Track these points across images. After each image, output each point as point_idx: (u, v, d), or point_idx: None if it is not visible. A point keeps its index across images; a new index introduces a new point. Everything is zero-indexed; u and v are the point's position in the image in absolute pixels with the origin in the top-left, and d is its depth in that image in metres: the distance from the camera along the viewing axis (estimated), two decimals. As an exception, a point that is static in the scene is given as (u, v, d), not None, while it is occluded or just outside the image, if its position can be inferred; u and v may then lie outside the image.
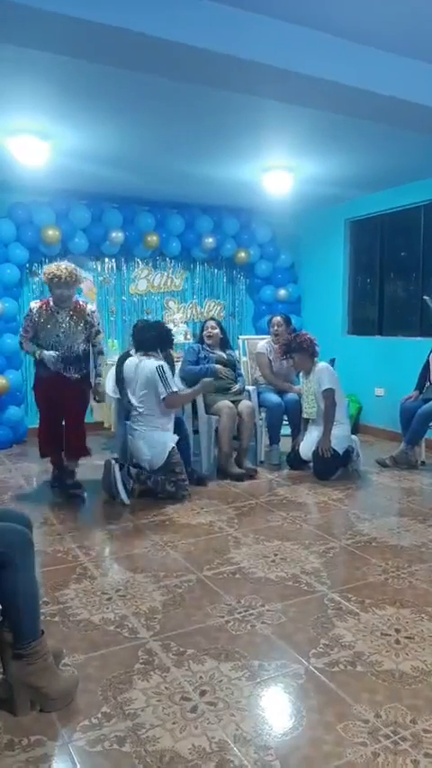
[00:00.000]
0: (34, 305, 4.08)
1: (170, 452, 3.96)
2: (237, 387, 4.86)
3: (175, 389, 4.03)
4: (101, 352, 4.20)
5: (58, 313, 4.00)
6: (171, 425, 4.12)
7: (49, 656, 1.90)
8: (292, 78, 2.82)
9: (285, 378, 5.17)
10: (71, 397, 4.07)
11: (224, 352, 5.01)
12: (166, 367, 4.06)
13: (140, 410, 4.03)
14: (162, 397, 3.96)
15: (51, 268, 3.96)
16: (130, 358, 4.20)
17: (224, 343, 5.07)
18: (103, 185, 5.63)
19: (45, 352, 3.95)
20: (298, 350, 4.62)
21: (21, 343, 4.15)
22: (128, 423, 4.16)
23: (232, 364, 4.98)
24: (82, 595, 2.65)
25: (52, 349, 3.97)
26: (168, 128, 4.11)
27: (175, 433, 4.28)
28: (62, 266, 3.95)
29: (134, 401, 4.07)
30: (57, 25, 2.36)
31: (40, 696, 1.86)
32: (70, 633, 2.33)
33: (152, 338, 4.14)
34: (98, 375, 4.20)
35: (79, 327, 4.03)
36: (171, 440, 4.07)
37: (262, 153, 4.69)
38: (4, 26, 2.38)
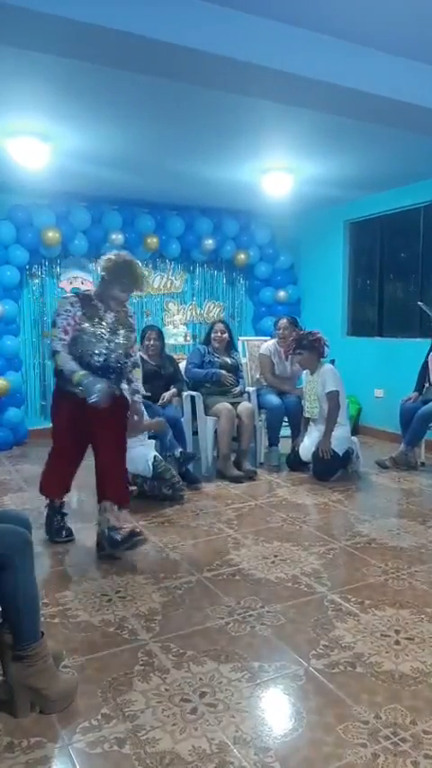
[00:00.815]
0: (73, 297, 3.10)
1: (154, 463, 3.93)
2: (237, 389, 4.86)
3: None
4: (137, 365, 3.35)
5: (104, 311, 3.08)
6: (145, 436, 4.03)
7: (49, 658, 1.91)
8: (291, 80, 2.82)
9: (287, 380, 5.17)
10: (110, 423, 3.07)
11: (229, 355, 5.01)
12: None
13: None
14: None
15: (125, 257, 3.06)
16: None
17: (229, 346, 5.07)
18: (102, 187, 5.64)
19: (90, 379, 2.88)
20: (309, 347, 4.61)
21: (55, 352, 3.00)
22: None
23: (235, 368, 4.98)
24: (82, 597, 2.65)
25: (94, 358, 3.01)
26: (168, 129, 4.12)
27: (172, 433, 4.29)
28: (136, 262, 3.08)
29: None
30: (56, 28, 2.37)
31: (40, 698, 1.86)
32: (70, 635, 2.33)
33: None
34: (136, 391, 3.30)
35: (122, 332, 3.13)
36: (150, 449, 4.02)
37: (261, 154, 4.69)
38: (3, 28, 2.38)
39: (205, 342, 5.05)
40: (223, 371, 4.80)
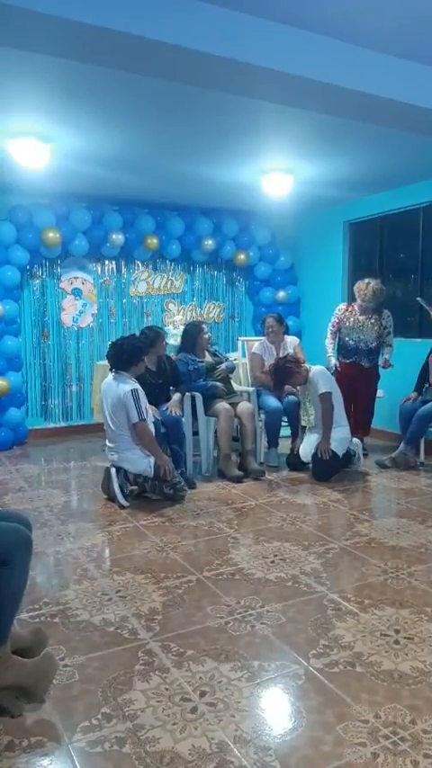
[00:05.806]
0: None
1: (155, 466, 3.96)
2: (223, 366, 4.89)
3: (145, 417, 3.90)
4: None
5: None
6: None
7: (10, 658, 1.86)
8: (291, 81, 2.83)
9: None
10: None
11: (210, 354, 5.01)
12: (141, 393, 3.94)
13: (114, 430, 3.97)
14: (133, 422, 3.88)
15: None
16: (107, 377, 4.14)
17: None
18: (103, 188, 5.64)
19: None
20: (296, 375, 4.58)
21: None
22: (107, 443, 4.09)
23: (219, 362, 4.98)
24: (82, 596, 2.66)
25: None
26: (168, 130, 4.12)
27: (171, 433, 4.29)
28: None
29: (109, 421, 4.01)
30: (56, 29, 2.37)
31: (18, 692, 1.85)
32: (70, 634, 2.34)
33: (116, 358, 4.02)
34: None
35: None
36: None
37: (261, 155, 4.70)
38: (4, 29, 2.39)
39: (185, 348, 4.94)
40: (218, 384, 4.79)
